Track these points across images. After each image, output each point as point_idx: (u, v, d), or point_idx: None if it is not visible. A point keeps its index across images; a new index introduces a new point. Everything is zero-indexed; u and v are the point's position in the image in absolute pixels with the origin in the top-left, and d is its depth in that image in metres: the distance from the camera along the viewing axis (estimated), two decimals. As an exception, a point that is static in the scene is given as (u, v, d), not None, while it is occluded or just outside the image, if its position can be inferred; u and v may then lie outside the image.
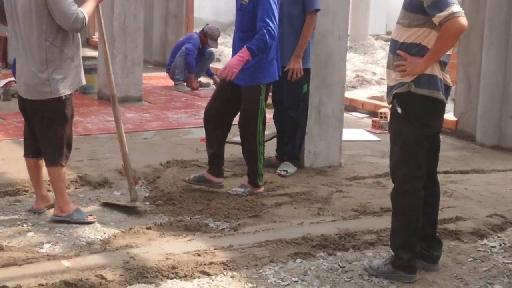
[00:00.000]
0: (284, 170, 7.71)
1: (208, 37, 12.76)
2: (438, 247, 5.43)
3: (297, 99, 7.79)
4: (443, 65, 5.10)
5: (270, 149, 7.89)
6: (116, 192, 7.00)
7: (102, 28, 6.55)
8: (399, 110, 5.14)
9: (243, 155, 7.13)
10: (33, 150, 6.34)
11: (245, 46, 6.63)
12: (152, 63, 15.40)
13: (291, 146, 7.89)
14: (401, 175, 5.21)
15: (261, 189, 7.05)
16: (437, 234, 5.53)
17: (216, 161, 7.08)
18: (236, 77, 6.69)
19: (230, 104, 7.00)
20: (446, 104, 5.26)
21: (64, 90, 6.11)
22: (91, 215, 6.33)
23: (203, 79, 13.49)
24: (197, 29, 14.29)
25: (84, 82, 6.40)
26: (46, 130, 6.16)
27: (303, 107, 7.85)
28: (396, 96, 5.16)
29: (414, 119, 5.11)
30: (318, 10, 7.64)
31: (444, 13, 4.86)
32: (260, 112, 6.89)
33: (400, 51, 5.10)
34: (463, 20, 4.88)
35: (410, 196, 5.18)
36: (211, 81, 13.38)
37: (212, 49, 13.24)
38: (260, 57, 6.73)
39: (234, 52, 6.85)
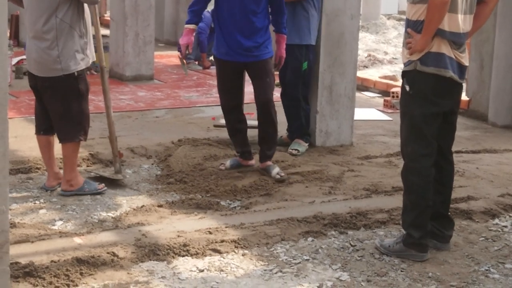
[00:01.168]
0: (295, 149, 7.70)
1: None
2: (450, 226, 5.43)
3: (296, 76, 7.68)
4: (452, 43, 5.06)
5: (281, 128, 7.87)
6: (128, 170, 7.02)
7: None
8: (407, 88, 5.15)
9: (263, 133, 7.07)
10: (44, 127, 6.35)
11: (281, 34, 6.93)
12: (163, 41, 15.40)
13: (298, 123, 7.84)
14: (409, 153, 5.21)
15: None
16: (449, 213, 5.52)
17: (246, 147, 7.17)
18: (252, 54, 6.78)
19: (242, 86, 7.07)
20: (461, 83, 5.23)
21: (76, 67, 6.12)
22: (100, 183, 6.37)
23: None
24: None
25: (95, 58, 6.40)
26: (61, 107, 6.17)
27: (304, 85, 7.76)
28: (405, 74, 5.17)
29: (421, 97, 5.10)
30: None
31: None
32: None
33: (409, 28, 5.10)
34: None
35: (418, 173, 5.17)
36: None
37: None
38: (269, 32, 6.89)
39: (240, 31, 6.71)
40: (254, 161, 7.20)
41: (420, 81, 5.09)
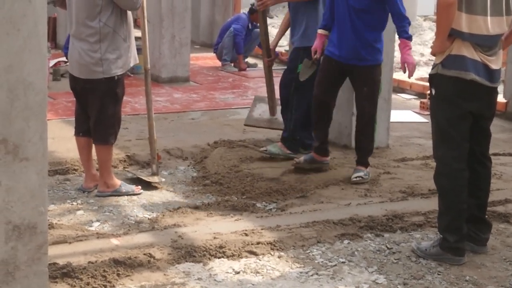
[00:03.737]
0: (265, 148, 7.49)
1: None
2: (486, 229, 5.39)
3: (290, 77, 7.48)
4: (476, 45, 5.01)
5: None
6: (164, 172, 7.04)
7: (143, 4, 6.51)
8: (433, 91, 5.15)
9: (360, 137, 7.06)
10: (84, 129, 6.41)
11: (402, 39, 6.73)
12: (199, 43, 15.43)
13: (285, 128, 7.58)
14: (439, 156, 5.20)
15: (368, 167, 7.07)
16: (486, 216, 5.47)
17: (324, 143, 7.17)
18: (358, 57, 6.80)
19: (337, 87, 7.08)
20: (493, 87, 5.17)
21: (116, 70, 6.17)
22: (136, 185, 6.41)
23: (250, 60, 13.49)
24: (244, 10, 14.28)
25: (137, 61, 6.44)
26: (98, 109, 6.22)
27: (295, 88, 7.43)
28: (431, 78, 5.18)
29: (445, 100, 5.08)
30: None
31: None
32: (380, 90, 7.08)
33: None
34: None
35: (449, 176, 5.14)
36: (258, 62, 13.37)
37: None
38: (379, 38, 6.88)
39: (352, 30, 6.75)
40: (329, 158, 7.21)
41: (443, 84, 5.08)
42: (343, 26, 6.79)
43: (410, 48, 6.71)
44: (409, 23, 6.80)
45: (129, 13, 6.25)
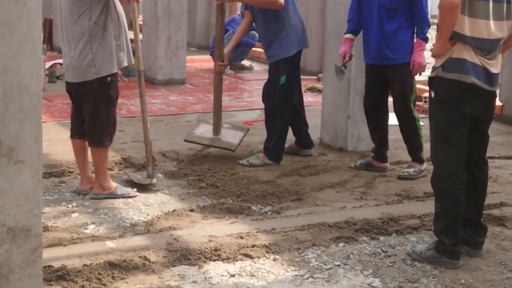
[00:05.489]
0: (247, 160, 7.43)
1: None
2: (482, 232, 5.39)
3: (272, 89, 7.41)
4: (477, 49, 5.02)
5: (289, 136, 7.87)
6: (160, 174, 7.04)
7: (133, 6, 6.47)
8: (432, 94, 5.15)
9: (402, 135, 7.29)
10: (79, 132, 6.40)
11: (418, 38, 6.96)
12: (195, 45, 15.45)
13: (267, 139, 7.53)
14: (438, 159, 5.20)
15: (425, 165, 7.16)
16: (482, 220, 5.48)
17: (381, 148, 7.33)
18: (385, 57, 6.99)
19: (379, 89, 7.22)
20: (492, 90, 5.18)
21: (111, 69, 6.16)
22: (132, 187, 6.42)
23: (246, 62, 13.48)
24: (239, 11, 14.25)
25: (132, 61, 6.43)
26: (91, 111, 6.22)
27: (279, 100, 7.40)
28: (430, 81, 5.18)
29: (445, 103, 5.09)
30: None
31: None
32: (414, 89, 7.19)
33: (437, 33, 5.11)
34: None
35: (447, 179, 5.14)
36: (254, 64, 13.37)
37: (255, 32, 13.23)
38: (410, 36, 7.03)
39: (380, 31, 6.95)
40: (387, 165, 7.33)
41: (443, 87, 5.08)
42: (371, 28, 7.03)
43: (423, 49, 6.98)
44: (429, 26, 7.00)
45: (121, 11, 6.22)
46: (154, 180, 6.73)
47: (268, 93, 7.46)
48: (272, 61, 7.42)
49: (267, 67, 7.91)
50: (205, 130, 7.77)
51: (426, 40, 6.97)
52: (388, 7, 6.92)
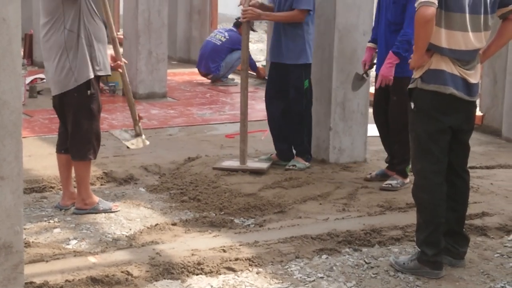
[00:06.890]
0: (292, 165, 7.71)
1: None
2: (464, 243, 5.41)
3: (300, 94, 7.74)
4: (455, 60, 5.05)
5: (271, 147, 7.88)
6: (142, 189, 7.02)
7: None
8: (412, 105, 5.17)
9: (392, 147, 7.32)
10: (65, 147, 6.37)
11: (390, 52, 6.91)
12: (176, 59, 15.42)
13: (299, 142, 7.85)
14: (418, 170, 5.23)
15: (408, 180, 7.21)
16: (464, 230, 5.49)
17: (394, 158, 7.37)
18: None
19: (387, 105, 7.29)
20: (471, 101, 5.21)
21: (88, 74, 6.11)
22: (115, 204, 6.40)
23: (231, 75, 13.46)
24: (220, 25, 14.22)
25: (109, 72, 6.40)
26: (73, 123, 6.20)
27: (306, 103, 7.80)
28: (409, 92, 5.20)
29: (424, 114, 5.12)
30: (307, 10, 7.62)
31: (416, 3, 4.90)
32: None
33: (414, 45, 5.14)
34: (426, 10, 4.82)
35: (428, 190, 5.17)
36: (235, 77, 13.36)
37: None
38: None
39: (385, 44, 7.06)
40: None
41: (422, 99, 5.11)
42: (380, 40, 7.19)
43: (392, 64, 6.91)
44: (408, 44, 6.81)
45: (98, 20, 6.19)
46: (143, 139, 6.72)
47: (296, 99, 7.75)
48: (291, 63, 7.68)
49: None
50: (232, 162, 7.79)
51: (398, 55, 6.87)
52: (391, 21, 7.03)
